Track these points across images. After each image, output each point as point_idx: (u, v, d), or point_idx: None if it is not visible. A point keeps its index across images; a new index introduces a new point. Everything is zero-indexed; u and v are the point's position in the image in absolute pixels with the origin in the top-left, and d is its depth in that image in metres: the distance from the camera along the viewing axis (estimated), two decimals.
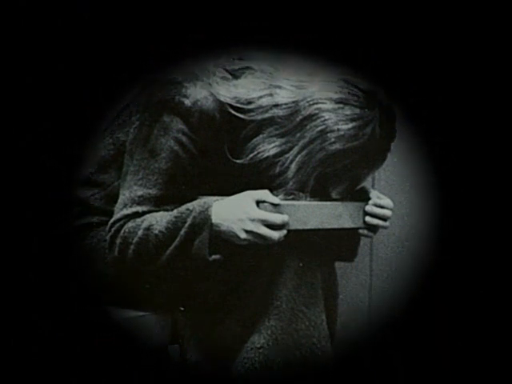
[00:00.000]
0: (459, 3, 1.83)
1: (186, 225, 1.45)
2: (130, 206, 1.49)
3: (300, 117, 1.45)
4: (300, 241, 1.51)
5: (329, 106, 1.44)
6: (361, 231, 1.60)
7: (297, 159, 1.47)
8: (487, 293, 1.87)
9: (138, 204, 1.49)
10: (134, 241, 1.47)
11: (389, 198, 1.60)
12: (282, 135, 1.47)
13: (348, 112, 1.44)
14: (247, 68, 1.53)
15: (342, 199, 1.54)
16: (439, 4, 1.83)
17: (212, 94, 1.49)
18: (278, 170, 1.49)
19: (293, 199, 1.50)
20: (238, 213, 1.44)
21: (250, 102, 1.49)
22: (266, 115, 1.48)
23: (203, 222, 1.44)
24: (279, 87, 1.48)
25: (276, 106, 1.47)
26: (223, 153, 1.52)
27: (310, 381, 1.51)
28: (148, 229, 1.46)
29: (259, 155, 1.49)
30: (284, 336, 1.49)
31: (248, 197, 1.46)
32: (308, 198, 1.51)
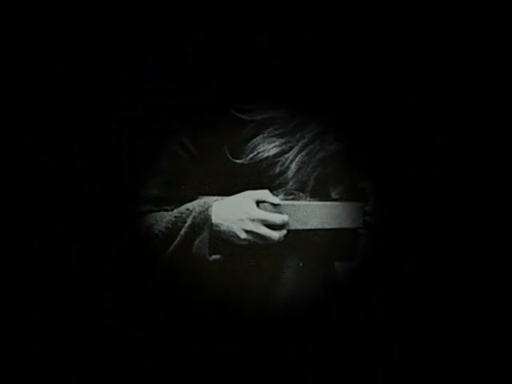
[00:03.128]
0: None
1: (186, 225, 1.45)
2: None
3: (300, 117, 1.45)
4: (300, 241, 1.51)
5: None
6: (361, 231, 1.60)
7: (297, 159, 1.47)
8: (488, 294, 1.88)
9: None
10: None
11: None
12: (281, 135, 1.47)
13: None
14: None
15: (341, 199, 1.54)
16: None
17: None
18: (277, 169, 1.49)
19: (293, 199, 1.50)
20: (238, 213, 1.44)
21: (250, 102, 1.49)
22: (266, 115, 1.48)
23: (203, 222, 1.44)
24: None
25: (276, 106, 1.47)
26: (223, 153, 1.52)
27: (310, 380, 1.52)
28: (148, 229, 1.46)
29: (259, 155, 1.49)
30: None
31: (248, 197, 1.46)
32: (308, 198, 1.51)
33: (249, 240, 1.44)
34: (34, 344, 1.49)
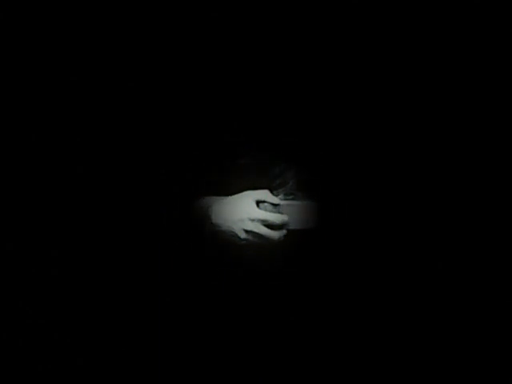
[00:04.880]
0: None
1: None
2: None
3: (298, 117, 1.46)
4: (300, 241, 1.51)
5: None
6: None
7: (296, 159, 1.47)
8: (489, 295, 1.89)
9: None
10: None
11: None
12: (281, 136, 1.48)
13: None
14: None
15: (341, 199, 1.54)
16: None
17: None
18: (277, 169, 1.49)
19: (293, 199, 1.50)
20: (238, 213, 1.44)
21: None
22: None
23: (203, 221, 1.45)
24: None
25: None
26: (223, 153, 1.53)
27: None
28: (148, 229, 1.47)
29: (259, 155, 1.50)
30: None
31: (248, 197, 1.46)
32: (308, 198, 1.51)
33: (249, 240, 1.44)
34: (34, 344, 1.49)
